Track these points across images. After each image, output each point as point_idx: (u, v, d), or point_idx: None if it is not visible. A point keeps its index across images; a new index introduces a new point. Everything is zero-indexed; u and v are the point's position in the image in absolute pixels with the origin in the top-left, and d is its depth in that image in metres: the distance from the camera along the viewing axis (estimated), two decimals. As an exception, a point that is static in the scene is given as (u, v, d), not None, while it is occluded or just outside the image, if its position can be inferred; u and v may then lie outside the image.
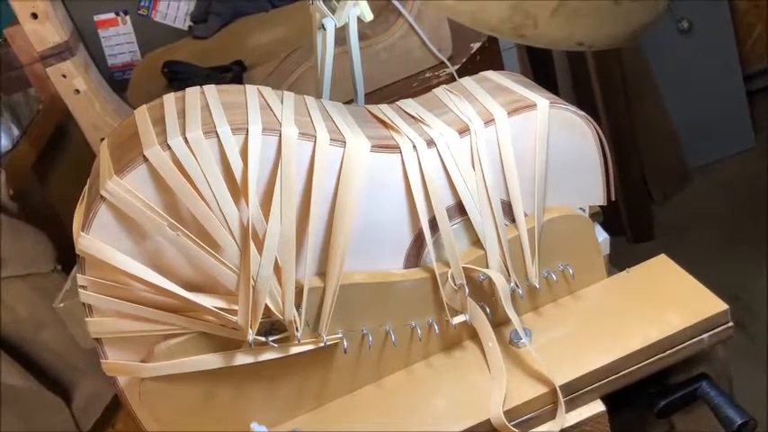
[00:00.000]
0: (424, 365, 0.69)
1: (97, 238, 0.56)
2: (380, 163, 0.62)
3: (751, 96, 1.92)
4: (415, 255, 0.66)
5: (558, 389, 0.62)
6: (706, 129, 1.85)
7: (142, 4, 1.43)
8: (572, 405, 0.64)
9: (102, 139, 0.64)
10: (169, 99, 0.62)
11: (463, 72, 1.06)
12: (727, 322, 0.66)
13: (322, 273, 0.62)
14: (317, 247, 0.62)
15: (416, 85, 1.09)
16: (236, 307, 0.59)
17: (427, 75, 1.10)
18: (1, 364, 0.98)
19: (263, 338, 0.61)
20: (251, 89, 0.63)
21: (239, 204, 0.57)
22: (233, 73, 1.18)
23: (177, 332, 0.60)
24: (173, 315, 0.59)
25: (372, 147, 0.61)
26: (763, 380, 1.40)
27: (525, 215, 0.66)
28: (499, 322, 0.68)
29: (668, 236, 1.67)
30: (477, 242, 0.66)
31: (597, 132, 0.67)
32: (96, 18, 1.42)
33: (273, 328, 0.62)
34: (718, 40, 1.85)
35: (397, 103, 0.70)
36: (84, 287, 0.58)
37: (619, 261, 0.73)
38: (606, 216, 0.72)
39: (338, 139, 0.60)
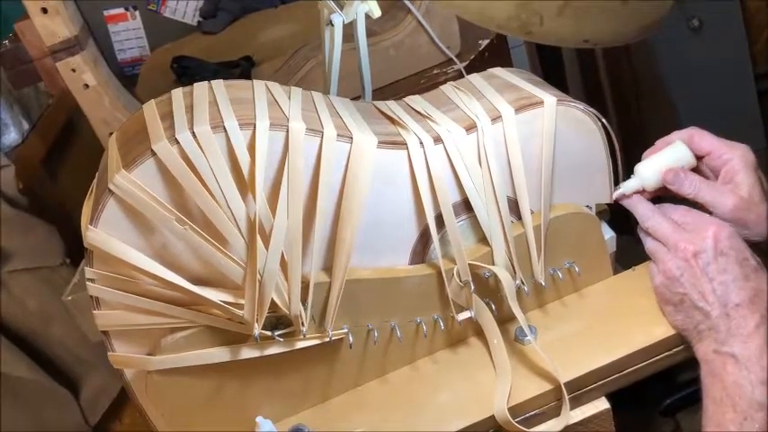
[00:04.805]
0: (429, 361, 0.69)
1: (105, 232, 0.57)
2: (387, 159, 0.62)
3: (762, 96, 1.90)
4: (421, 251, 0.66)
5: (562, 386, 0.63)
6: (716, 128, 1.83)
7: (152, -1, 1.44)
8: (577, 402, 0.64)
9: (111, 134, 0.64)
10: (177, 94, 0.62)
11: (471, 69, 1.06)
12: (734, 321, 0.66)
13: (328, 268, 0.63)
14: (323, 242, 0.62)
15: (424, 81, 1.09)
16: (242, 301, 0.60)
17: (435, 71, 1.10)
18: (10, 356, 0.98)
19: (268, 333, 0.61)
20: (259, 85, 0.63)
21: (246, 199, 0.58)
22: (241, 68, 1.18)
23: (184, 326, 0.61)
24: (180, 309, 0.59)
25: (379, 143, 0.61)
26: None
27: (532, 212, 0.66)
28: (504, 319, 0.68)
29: (676, 235, 1.66)
30: (483, 239, 0.66)
31: (606, 130, 0.66)
32: (106, 13, 1.42)
33: (279, 322, 0.62)
34: (729, 38, 1.84)
35: (405, 99, 0.70)
36: (92, 280, 0.58)
37: (625, 259, 0.73)
38: (613, 214, 0.72)
39: (345, 135, 0.60)
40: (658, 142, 0.69)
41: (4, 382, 0.97)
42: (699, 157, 0.68)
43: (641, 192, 0.68)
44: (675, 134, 0.69)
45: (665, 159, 0.67)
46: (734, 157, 0.65)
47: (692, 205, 0.67)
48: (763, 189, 0.66)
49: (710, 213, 0.65)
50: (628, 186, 0.68)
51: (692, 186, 0.66)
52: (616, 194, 0.68)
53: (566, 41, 0.61)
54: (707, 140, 0.67)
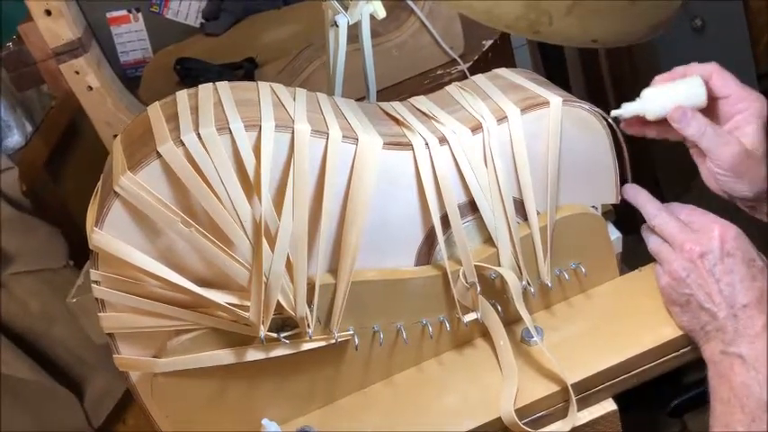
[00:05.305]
0: (435, 363, 0.69)
1: (110, 234, 0.56)
2: (393, 160, 0.62)
3: (765, 96, 1.90)
4: (427, 252, 0.66)
5: (569, 387, 0.62)
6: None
7: (154, 1, 1.44)
8: (584, 404, 0.64)
9: (115, 136, 0.64)
10: (182, 95, 0.62)
11: (475, 70, 1.06)
12: (741, 322, 0.66)
13: (334, 269, 0.62)
14: (328, 243, 0.62)
15: (428, 82, 1.08)
16: (248, 303, 0.59)
17: (439, 72, 1.10)
18: (12, 357, 0.98)
19: (274, 335, 0.61)
20: (263, 86, 0.63)
21: (252, 201, 0.57)
22: (245, 70, 1.18)
23: (189, 328, 0.60)
24: (185, 311, 0.59)
25: (385, 144, 0.61)
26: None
27: (538, 213, 0.66)
28: (511, 320, 0.68)
29: (680, 235, 1.65)
30: (488, 240, 0.66)
31: (611, 130, 0.66)
32: (108, 15, 1.42)
33: (285, 324, 0.62)
34: (732, 38, 1.83)
35: (410, 100, 0.70)
36: (97, 282, 0.58)
37: (631, 260, 0.73)
38: (619, 215, 0.72)
39: (351, 137, 0.60)
40: (677, 69, 0.66)
41: (6, 384, 0.97)
42: (714, 98, 0.65)
43: (640, 118, 0.65)
44: (696, 67, 0.65)
45: (675, 93, 0.64)
46: (750, 107, 0.64)
47: (695, 203, 0.66)
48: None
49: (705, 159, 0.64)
50: (628, 108, 0.65)
51: (697, 129, 0.63)
52: (614, 113, 0.64)
53: (574, 41, 0.61)
54: (728, 84, 0.64)
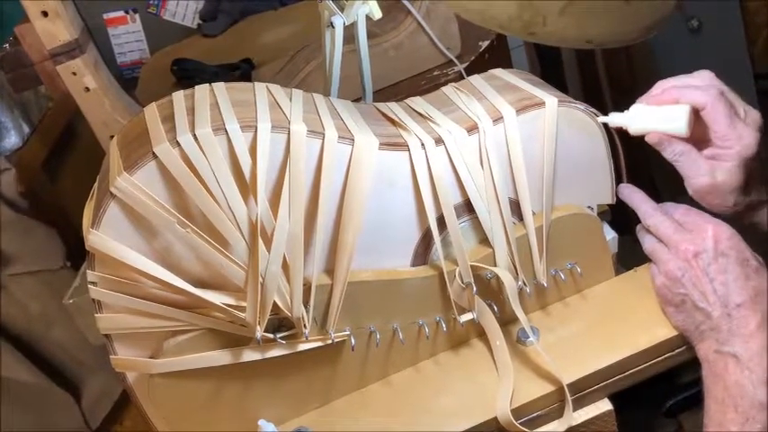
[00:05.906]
0: (432, 363, 0.69)
1: (107, 235, 0.56)
2: (389, 161, 0.62)
3: (761, 96, 1.90)
4: (423, 252, 0.66)
5: (565, 387, 0.62)
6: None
7: (151, 2, 1.44)
8: (579, 403, 0.64)
9: (112, 137, 0.64)
10: (178, 96, 0.62)
11: (472, 70, 1.06)
12: (736, 321, 0.66)
13: (330, 270, 0.62)
14: (325, 244, 0.62)
15: (425, 83, 1.09)
16: (244, 304, 0.60)
17: (435, 73, 1.10)
18: (11, 359, 0.98)
19: (271, 335, 0.61)
20: (260, 87, 0.63)
21: (248, 201, 0.58)
22: (242, 71, 1.18)
23: (186, 329, 0.60)
24: (182, 311, 0.59)
25: (381, 144, 0.61)
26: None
27: (533, 213, 0.66)
28: (507, 320, 0.68)
29: (677, 235, 1.65)
30: (484, 240, 0.66)
31: (607, 130, 0.67)
32: (105, 16, 1.42)
33: (281, 325, 0.62)
34: (729, 39, 1.84)
35: (406, 101, 0.70)
36: (93, 283, 0.58)
37: (627, 260, 0.73)
38: (614, 215, 0.72)
39: (347, 137, 0.60)
40: (678, 84, 0.67)
41: (5, 386, 0.97)
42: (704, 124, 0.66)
43: (622, 129, 0.67)
44: (695, 92, 0.65)
45: (659, 118, 0.66)
46: (734, 147, 0.65)
47: (690, 203, 0.67)
48: (743, 180, 0.65)
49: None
50: (614, 119, 0.67)
51: (671, 156, 0.67)
52: (601, 119, 0.66)
53: (569, 42, 0.61)
54: (718, 121, 0.65)
